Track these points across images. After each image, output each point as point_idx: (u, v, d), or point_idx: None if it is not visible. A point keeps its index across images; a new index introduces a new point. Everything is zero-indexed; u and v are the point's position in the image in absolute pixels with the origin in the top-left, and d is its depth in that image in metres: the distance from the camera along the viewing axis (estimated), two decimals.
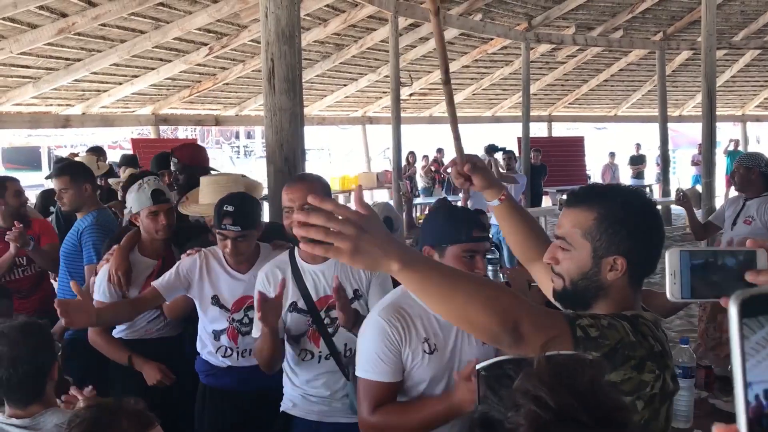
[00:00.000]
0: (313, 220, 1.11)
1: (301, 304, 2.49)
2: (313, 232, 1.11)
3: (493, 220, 8.86)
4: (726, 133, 21.94)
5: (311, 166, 10.82)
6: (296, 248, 2.52)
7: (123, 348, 3.12)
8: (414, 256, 1.23)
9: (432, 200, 13.16)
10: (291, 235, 2.30)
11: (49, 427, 2.06)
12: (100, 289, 3.12)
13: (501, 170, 8.67)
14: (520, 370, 0.81)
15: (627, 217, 1.49)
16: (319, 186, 2.50)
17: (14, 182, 4.29)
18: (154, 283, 2.87)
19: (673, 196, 13.13)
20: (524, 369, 0.81)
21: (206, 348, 2.92)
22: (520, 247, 1.91)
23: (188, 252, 2.98)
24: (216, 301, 2.85)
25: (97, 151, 7.15)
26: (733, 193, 6.90)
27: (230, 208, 2.71)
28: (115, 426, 1.69)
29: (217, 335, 2.87)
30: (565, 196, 1.69)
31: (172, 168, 4.26)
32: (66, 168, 4.06)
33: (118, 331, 3.25)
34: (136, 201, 3.18)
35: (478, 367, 0.97)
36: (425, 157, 16.21)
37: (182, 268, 2.87)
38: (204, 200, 3.39)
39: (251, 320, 2.70)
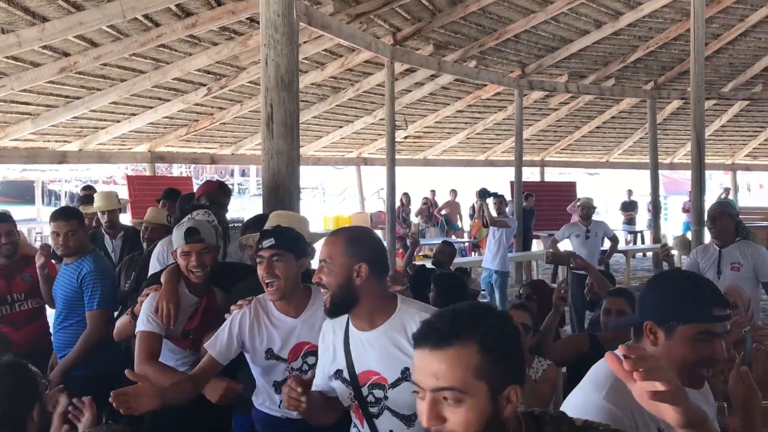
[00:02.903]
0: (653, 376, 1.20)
1: (345, 373, 2.21)
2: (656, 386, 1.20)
3: (485, 263, 8.89)
4: (719, 181, 22.22)
5: (305, 205, 10.87)
6: None
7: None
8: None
9: (427, 242, 13.22)
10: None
11: None
12: (146, 319, 2.92)
13: (492, 215, 8.75)
14: None
15: (506, 336, 1.30)
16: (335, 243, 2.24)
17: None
18: (209, 351, 2.63)
19: (665, 242, 13.27)
20: None
21: (265, 399, 2.76)
22: None
23: (239, 303, 2.75)
24: (270, 354, 2.64)
25: (89, 189, 7.24)
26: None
27: (269, 229, 2.65)
28: None
29: (278, 387, 2.68)
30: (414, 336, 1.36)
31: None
32: (74, 211, 4.11)
33: None
34: (174, 237, 3.10)
35: None
36: (425, 198, 16.35)
37: (234, 326, 2.64)
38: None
39: (311, 366, 2.53)
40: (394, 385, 2.13)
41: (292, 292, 2.61)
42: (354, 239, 2.17)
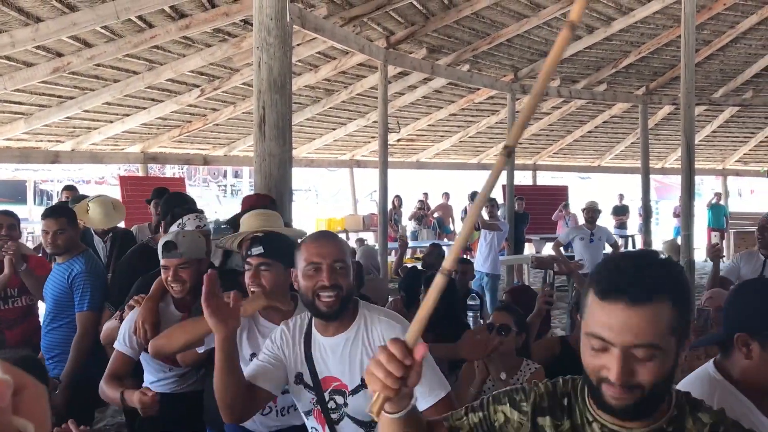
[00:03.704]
0: None
1: (306, 377, 2.15)
2: None
3: (476, 266, 8.95)
4: (710, 186, 22.34)
5: (298, 207, 10.90)
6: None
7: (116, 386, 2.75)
8: None
9: (420, 245, 13.27)
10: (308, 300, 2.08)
11: None
12: (123, 339, 2.86)
13: (484, 218, 8.80)
14: None
15: (688, 289, 1.28)
16: (345, 244, 2.21)
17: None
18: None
19: (655, 247, 13.31)
20: None
21: None
22: None
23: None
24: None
25: (72, 189, 7.20)
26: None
27: (259, 235, 2.56)
28: None
29: None
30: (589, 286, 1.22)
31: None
32: (65, 209, 4.12)
33: (149, 383, 3.02)
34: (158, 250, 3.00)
35: None
36: (420, 201, 16.39)
37: None
38: (243, 229, 3.18)
39: None
40: (354, 391, 2.09)
41: (280, 301, 2.53)
42: (344, 242, 2.20)
